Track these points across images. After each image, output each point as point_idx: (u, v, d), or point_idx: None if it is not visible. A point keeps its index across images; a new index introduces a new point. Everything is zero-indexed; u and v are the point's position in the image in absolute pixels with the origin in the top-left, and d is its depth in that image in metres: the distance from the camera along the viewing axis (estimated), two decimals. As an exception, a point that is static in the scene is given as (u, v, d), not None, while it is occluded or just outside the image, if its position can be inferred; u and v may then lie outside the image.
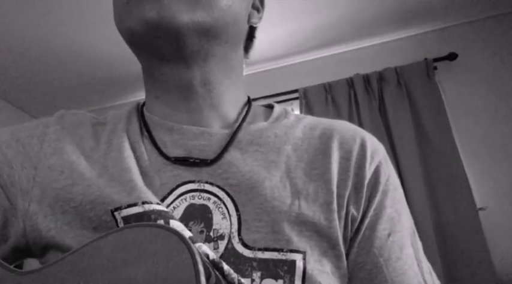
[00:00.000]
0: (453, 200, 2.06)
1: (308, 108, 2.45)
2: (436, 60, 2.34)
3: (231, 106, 0.56)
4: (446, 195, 2.09)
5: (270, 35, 2.40)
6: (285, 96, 2.56)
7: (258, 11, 0.60)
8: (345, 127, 0.55)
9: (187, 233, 0.40)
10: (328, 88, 2.45)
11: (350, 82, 2.42)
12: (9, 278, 0.34)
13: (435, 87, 2.28)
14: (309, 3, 2.19)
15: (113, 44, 2.33)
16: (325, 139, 0.52)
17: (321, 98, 2.45)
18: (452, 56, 2.33)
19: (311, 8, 2.23)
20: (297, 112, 2.48)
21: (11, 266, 0.35)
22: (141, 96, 2.89)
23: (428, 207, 2.06)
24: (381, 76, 2.39)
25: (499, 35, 2.33)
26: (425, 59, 2.34)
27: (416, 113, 2.27)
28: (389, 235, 0.48)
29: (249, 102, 0.60)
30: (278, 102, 2.50)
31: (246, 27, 0.58)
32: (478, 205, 2.05)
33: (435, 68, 2.34)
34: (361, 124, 2.29)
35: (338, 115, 2.37)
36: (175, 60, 0.50)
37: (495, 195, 2.10)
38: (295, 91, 2.53)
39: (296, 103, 2.55)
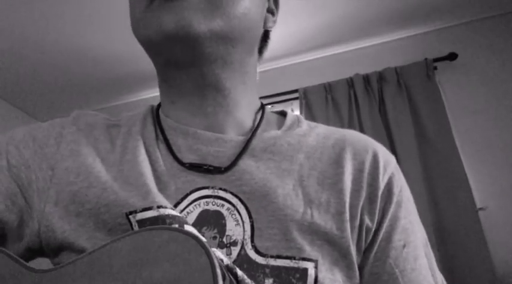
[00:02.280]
0: (453, 200, 2.07)
1: (308, 108, 2.45)
2: (436, 60, 2.34)
3: (246, 111, 0.56)
4: (446, 195, 2.09)
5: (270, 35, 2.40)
6: (285, 96, 2.56)
7: (273, 14, 0.60)
8: (356, 137, 0.55)
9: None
10: (328, 88, 2.45)
11: (350, 82, 2.42)
12: (27, 276, 0.35)
13: (435, 87, 2.28)
14: (309, 3, 2.19)
15: (116, 43, 2.33)
16: (338, 149, 0.52)
17: (321, 98, 2.45)
18: (452, 56, 2.34)
19: (311, 8, 2.23)
20: (297, 112, 2.48)
21: (29, 264, 0.36)
22: (145, 95, 2.89)
23: (428, 207, 2.06)
24: (381, 76, 2.39)
25: (499, 35, 2.34)
26: (425, 59, 2.34)
27: (416, 113, 2.28)
28: (404, 246, 0.48)
29: (263, 107, 0.60)
30: (278, 102, 2.50)
31: (262, 31, 0.58)
32: (478, 205, 2.06)
33: (435, 68, 2.34)
34: (361, 124, 2.30)
35: (338, 115, 2.37)
36: (192, 67, 0.51)
37: (495, 195, 2.10)
38: (295, 91, 2.53)
39: (296, 103, 2.55)
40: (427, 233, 1.86)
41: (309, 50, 2.60)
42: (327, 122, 2.27)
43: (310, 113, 2.43)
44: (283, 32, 2.39)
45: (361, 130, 2.24)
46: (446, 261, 1.98)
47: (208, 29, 0.46)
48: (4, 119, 2.69)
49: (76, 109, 0.58)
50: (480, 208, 2.05)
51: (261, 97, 2.22)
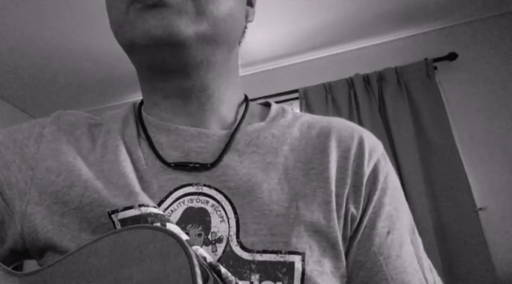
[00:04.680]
0: (453, 200, 2.06)
1: (308, 108, 2.45)
2: (436, 60, 2.34)
3: (228, 106, 0.55)
4: (446, 195, 2.09)
5: (270, 35, 2.40)
6: (285, 96, 2.56)
7: (252, 5, 0.59)
8: (342, 125, 0.54)
9: (183, 237, 0.40)
10: (328, 88, 2.45)
11: (350, 82, 2.42)
12: (6, 279, 0.34)
13: (435, 87, 2.28)
14: (309, 3, 2.19)
15: (113, 43, 2.32)
16: (323, 138, 0.52)
17: (321, 98, 2.45)
18: (452, 56, 2.33)
19: (311, 8, 2.23)
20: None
21: (9, 268, 0.35)
22: (140, 96, 2.88)
23: (428, 207, 2.06)
24: (381, 76, 2.39)
25: (499, 35, 2.33)
26: (425, 59, 2.33)
27: (416, 113, 2.27)
28: (388, 233, 0.47)
29: (246, 100, 0.59)
30: (278, 102, 2.50)
31: (244, 27, 0.57)
32: (478, 205, 2.05)
33: (435, 68, 2.34)
34: (361, 124, 2.28)
35: (338, 115, 2.36)
36: (177, 71, 0.50)
37: (495, 195, 2.10)
38: (295, 91, 2.53)
39: (296, 103, 2.55)
40: (427, 233, 1.84)
41: (309, 50, 2.60)
42: (327, 122, 2.26)
43: (310, 113, 2.42)
44: (283, 32, 2.39)
45: (361, 130, 2.23)
46: (446, 261, 1.98)
47: (195, 33, 0.46)
48: (4, 119, 2.70)
49: (74, 109, 0.57)
50: (480, 208, 2.04)
51: (261, 97, 2.22)
